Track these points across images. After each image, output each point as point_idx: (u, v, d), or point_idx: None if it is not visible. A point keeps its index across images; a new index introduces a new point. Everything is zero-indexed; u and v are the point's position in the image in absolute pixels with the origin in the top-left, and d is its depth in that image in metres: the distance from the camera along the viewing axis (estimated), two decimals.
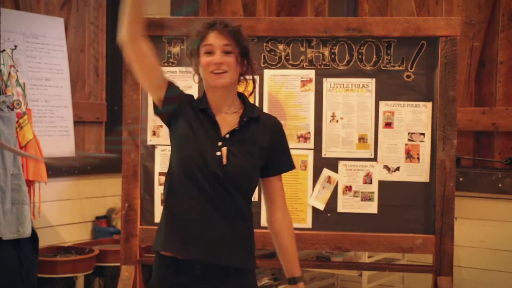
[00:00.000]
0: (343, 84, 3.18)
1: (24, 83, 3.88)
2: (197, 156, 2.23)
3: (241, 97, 2.36)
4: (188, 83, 3.25)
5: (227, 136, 2.27)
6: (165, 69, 3.24)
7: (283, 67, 3.19)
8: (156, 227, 2.97)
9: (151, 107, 3.24)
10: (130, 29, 2.25)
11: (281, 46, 3.19)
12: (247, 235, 2.32)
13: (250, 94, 2.41)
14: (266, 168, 2.34)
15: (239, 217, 2.28)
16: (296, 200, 3.17)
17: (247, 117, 2.29)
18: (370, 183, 3.17)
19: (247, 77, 2.36)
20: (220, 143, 2.25)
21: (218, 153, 2.23)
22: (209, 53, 2.25)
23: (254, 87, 2.38)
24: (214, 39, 2.25)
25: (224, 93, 2.29)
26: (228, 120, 2.30)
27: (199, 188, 2.23)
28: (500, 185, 4.02)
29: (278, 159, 2.35)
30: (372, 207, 3.17)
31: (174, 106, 2.32)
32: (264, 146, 2.31)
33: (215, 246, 2.23)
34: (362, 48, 3.17)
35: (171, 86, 2.33)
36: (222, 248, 2.24)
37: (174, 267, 2.25)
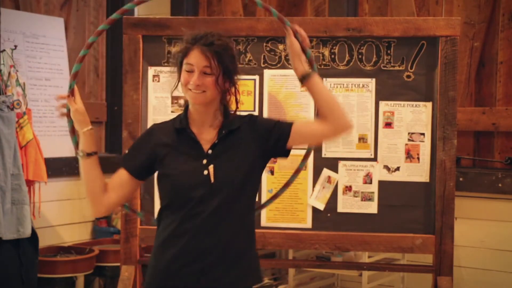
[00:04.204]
0: (343, 84, 3.18)
1: (24, 83, 3.88)
2: (186, 185, 2.20)
3: (225, 109, 2.30)
4: None
5: (210, 152, 2.23)
6: (165, 69, 3.24)
7: (283, 67, 3.19)
8: (156, 227, 2.97)
9: (151, 107, 3.26)
10: (98, 207, 2.30)
11: (281, 46, 3.19)
12: (244, 248, 2.25)
13: (234, 112, 2.32)
14: (278, 147, 2.25)
15: (234, 232, 2.22)
16: (296, 200, 3.17)
17: (226, 129, 2.25)
18: (370, 183, 3.17)
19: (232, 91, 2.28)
20: (205, 161, 2.21)
21: (206, 172, 2.20)
22: (190, 71, 2.20)
23: (237, 108, 2.30)
24: (195, 59, 2.18)
25: (204, 109, 2.25)
26: (210, 134, 2.25)
27: (192, 214, 2.19)
28: (500, 185, 4.02)
29: (278, 135, 2.25)
30: (372, 207, 3.17)
31: (149, 165, 2.29)
32: (252, 148, 2.25)
33: (209, 270, 2.19)
34: (362, 48, 3.17)
35: (134, 172, 2.29)
36: (215, 271, 2.20)
37: None
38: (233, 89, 2.28)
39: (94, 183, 2.28)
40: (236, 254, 2.22)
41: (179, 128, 2.27)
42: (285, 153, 2.29)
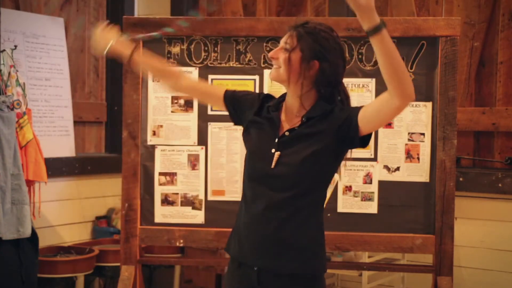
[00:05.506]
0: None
1: (24, 83, 3.88)
2: (256, 156, 2.23)
3: (318, 98, 2.22)
4: None
5: (286, 134, 2.19)
6: None
7: None
8: (156, 227, 2.99)
9: (151, 107, 3.26)
10: (163, 80, 2.57)
11: None
12: (302, 240, 2.19)
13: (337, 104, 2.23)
14: (351, 139, 2.13)
15: (293, 221, 2.17)
16: None
17: (308, 116, 2.18)
18: (370, 183, 3.17)
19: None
20: (275, 144, 2.19)
21: (271, 155, 2.17)
22: None
23: (335, 93, 2.23)
24: (283, 37, 2.22)
25: (290, 93, 2.23)
26: (294, 121, 2.22)
27: (257, 192, 2.21)
28: (500, 185, 4.02)
29: (348, 126, 2.13)
30: (372, 207, 3.17)
31: (237, 111, 2.37)
32: (327, 139, 2.15)
33: (265, 252, 2.19)
34: (362, 48, 3.17)
35: (229, 101, 2.38)
36: (273, 254, 2.18)
37: (237, 265, 2.27)
38: (315, 76, 2.18)
39: (152, 66, 2.57)
40: (286, 244, 2.18)
41: (271, 106, 2.28)
42: (362, 143, 2.15)
